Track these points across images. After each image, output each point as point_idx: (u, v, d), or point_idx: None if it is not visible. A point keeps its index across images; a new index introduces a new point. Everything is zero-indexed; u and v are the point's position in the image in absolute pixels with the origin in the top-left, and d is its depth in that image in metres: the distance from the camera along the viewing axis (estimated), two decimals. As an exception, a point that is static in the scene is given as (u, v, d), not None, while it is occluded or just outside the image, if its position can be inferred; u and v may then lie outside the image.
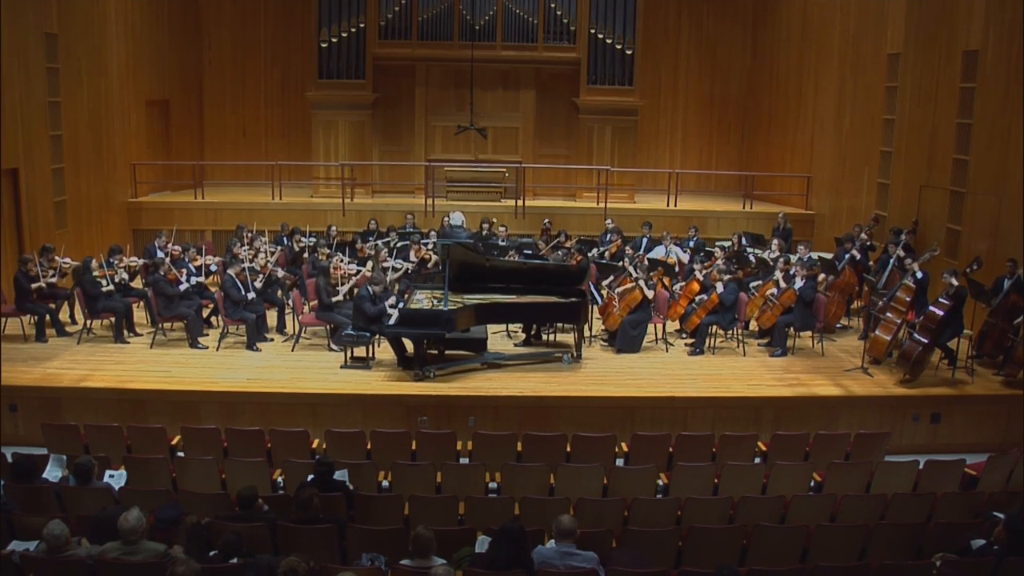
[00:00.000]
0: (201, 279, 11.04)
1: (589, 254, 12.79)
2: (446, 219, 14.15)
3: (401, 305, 9.87)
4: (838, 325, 11.68)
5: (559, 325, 11.03)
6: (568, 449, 7.73)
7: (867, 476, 7.31)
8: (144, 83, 15.74)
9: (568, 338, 10.86)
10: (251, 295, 10.47)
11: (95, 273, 10.56)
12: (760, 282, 11.43)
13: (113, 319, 10.59)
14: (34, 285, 10.43)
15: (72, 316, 11.41)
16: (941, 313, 9.30)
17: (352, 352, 9.87)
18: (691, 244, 13.37)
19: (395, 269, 11.70)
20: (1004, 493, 6.94)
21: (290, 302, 11.10)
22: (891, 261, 11.18)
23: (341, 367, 9.71)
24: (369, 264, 11.70)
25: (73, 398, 8.93)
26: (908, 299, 9.85)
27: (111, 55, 14.41)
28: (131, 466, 7.10)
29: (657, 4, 18.31)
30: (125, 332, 10.61)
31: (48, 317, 10.62)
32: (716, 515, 6.62)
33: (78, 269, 10.95)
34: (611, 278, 11.42)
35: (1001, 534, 5.76)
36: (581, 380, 9.56)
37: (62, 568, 5.22)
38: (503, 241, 13.23)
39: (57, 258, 10.97)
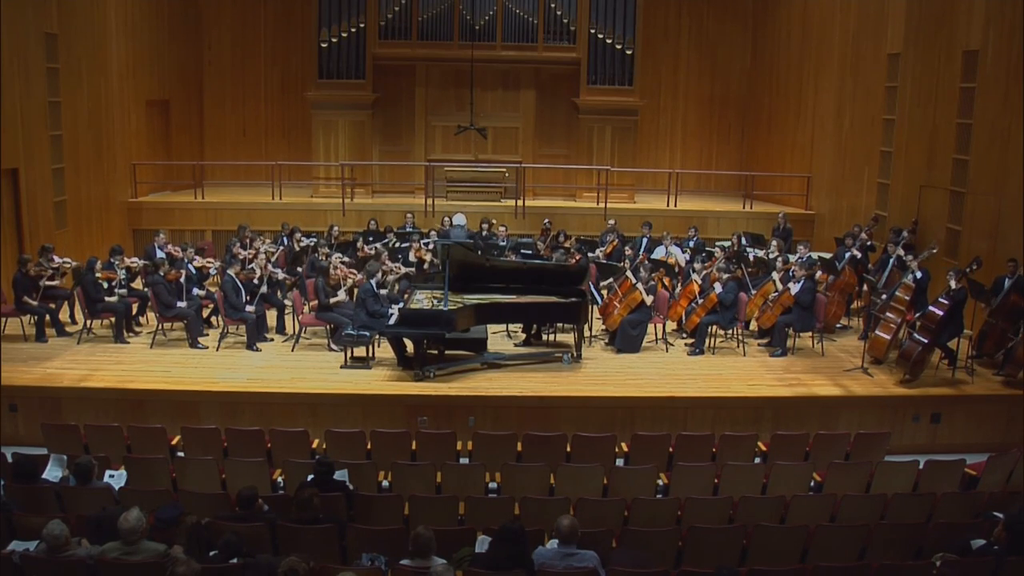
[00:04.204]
0: (202, 293, 11.01)
1: (590, 254, 12.79)
2: (446, 219, 14.15)
3: (401, 305, 9.88)
4: (838, 325, 11.68)
5: (559, 325, 11.02)
6: (568, 449, 7.73)
7: (867, 476, 7.31)
8: (144, 83, 15.74)
9: (568, 338, 10.86)
10: (250, 308, 10.42)
11: (98, 275, 10.55)
12: (759, 285, 11.44)
13: (113, 319, 10.59)
14: (42, 283, 10.43)
15: (72, 316, 11.41)
16: (940, 313, 9.30)
17: (352, 352, 9.87)
18: (691, 244, 13.37)
19: (395, 272, 11.71)
20: (1004, 493, 6.94)
21: (290, 302, 11.10)
22: (891, 261, 11.18)
23: (341, 367, 9.71)
24: (366, 266, 11.72)
25: (73, 398, 8.93)
26: (908, 299, 9.84)
27: (111, 55, 14.42)
28: (131, 466, 7.10)
29: (657, 4, 18.31)
30: (125, 332, 10.61)
31: (48, 317, 10.62)
32: (716, 515, 6.62)
33: (79, 269, 10.94)
34: (611, 280, 11.43)
35: (1001, 534, 5.76)
36: (581, 380, 9.55)
37: (62, 568, 5.22)
38: (503, 241, 13.23)
39: (56, 258, 10.96)
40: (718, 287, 10.57)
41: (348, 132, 16.93)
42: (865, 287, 11.77)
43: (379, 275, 10.25)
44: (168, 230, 13.19)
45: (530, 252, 12.62)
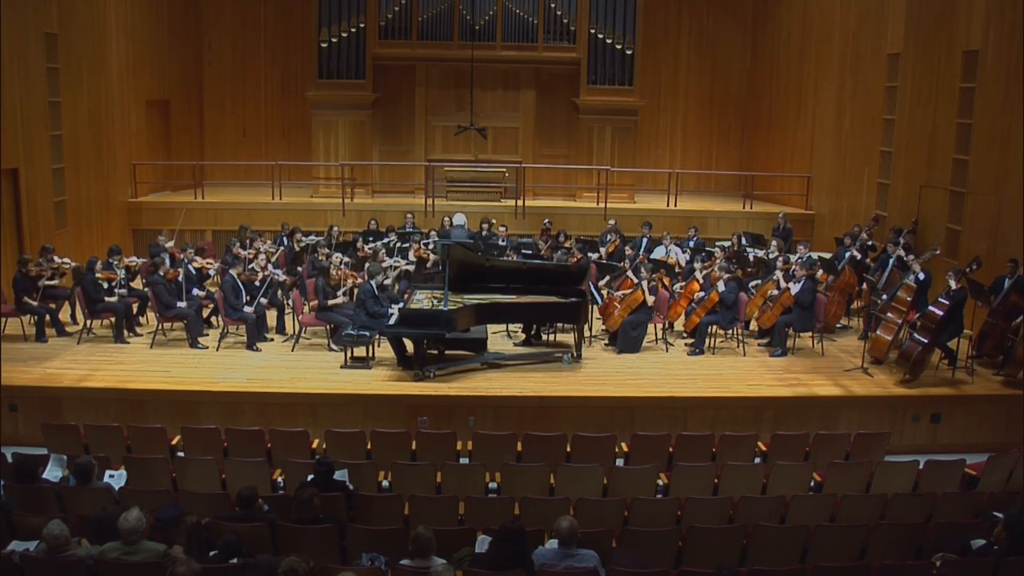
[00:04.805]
0: (202, 294, 11.01)
1: (591, 254, 12.79)
2: (446, 219, 14.16)
3: (401, 305, 9.88)
4: (838, 325, 11.68)
5: (559, 325, 11.02)
6: (568, 449, 7.73)
7: (867, 476, 7.31)
8: (144, 83, 15.75)
9: (568, 338, 10.86)
10: (248, 308, 10.42)
11: (98, 275, 10.55)
12: (759, 281, 11.44)
13: (113, 319, 10.59)
14: (41, 283, 10.43)
15: (72, 316, 11.41)
16: (940, 313, 9.30)
17: (352, 352, 9.87)
18: (691, 244, 13.37)
19: (394, 268, 11.74)
20: (1004, 493, 6.94)
21: (290, 302, 11.10)
22: (891, 261, 11.18)
23: (341, 367, 9.71)
24: (367, 266, 11.74)
25: (73, 398, 8.92)
26: (909, 299, 9.85)
27: (111, 55, 14.42)
28: (131, 466, 7.10)
29: (657, 4, 18.31)
30: (125, 332, 10.61)
31: (48, 317, 10.62)
32: (716, 515, 6.62)
33: (79, 269, 10.94)
34: (607, 278, 11.42)
35: (1001, 534, 5.76)
36: (581, 380, 9.55)
37: (62, 568, 5.22)
38: (503, 241, 13.23)
39: (56, 258, 10.96)
40: (720, 286, 10.57)
41: (348, 132, 16.93)
42: (865, 287, 11.77)
43: (380, 276, 10.25)
44: (169, 230, 13.20)
45: (530, 252, 12.62)
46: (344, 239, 13.20)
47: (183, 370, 9.58)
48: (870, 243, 11.93)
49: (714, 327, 10.74)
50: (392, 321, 9.69)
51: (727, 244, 13.06)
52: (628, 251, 13.14)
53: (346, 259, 11.58)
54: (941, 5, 11.97)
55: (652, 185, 17.84)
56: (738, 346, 10.83)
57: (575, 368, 9.96)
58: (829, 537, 6.15)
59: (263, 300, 10.65)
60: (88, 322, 10.59)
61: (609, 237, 13.53)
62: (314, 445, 7.80)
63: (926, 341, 9.32)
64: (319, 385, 9.19)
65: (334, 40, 16.53)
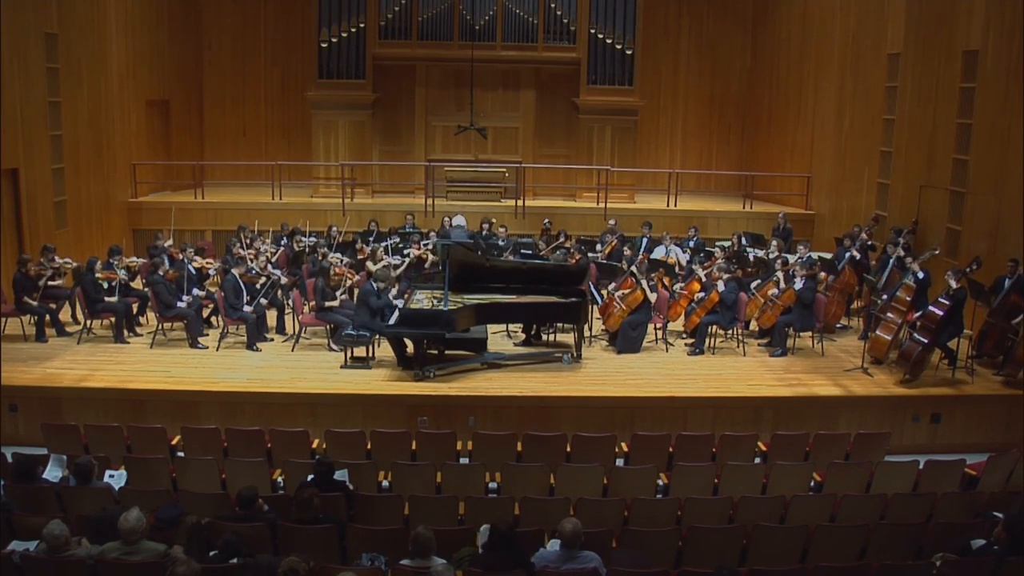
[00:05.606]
0: (202, 293, 11.01)
1: (590, 254, 12.79)
2: (446, 220, 14.15)
3: (401, 305, 9.89)
4: (838, 325, 11.68)
5: (559, 325, 11.02)
6: (568, 449, 7.73)
7: (867, 476, 7.31)
8: (144, 83, 15.75)
9: (568, 338, 10.86)
10: (248, 308, 10.43)
11: (98, 275, 10.55)
12: (759, 281, 11.44)
13: (113, 319, 10.58)
14: (40, 283, 10.43)
15: (72, 316, 11.41)
16: (940, 313, 9.30)
17: (352, 352, 9.87)
18: (691, 244, 13.37)
19: (395, 267, 11.75)
20: (1004, 493, 6.94)
21: (290, 302, 11.10)
22: (891, 261, 11.18)
23: (341, 367, 9.71)
24: (369, 265, 11.74)
25: (73, 398, 8.93)
26: (909, 299, 9.85)
27: (111, 55, 14.42)
28: (131, 466, 7.10)
29: (657, 4, 18.31)
30: (125, 332, 10.61)
31: (48, 317, 10.62)
32: (716, 515, 6.62)
33: (79, 269, 10.94)
34: (612, 285, 11.42)
35: (1001, 534, 5.76)
36: (581, 380, 9.55)
37: (62, 568, 5.22)
38: (503, 241, 13.23)
39: (57, 258, 10.95)
40: (720, 286, 10.57)
41: (348, 132, 16.94)
42: (865, 287, 11.77)
43: (386, 283, 10.19)
44: (168, 229, 13.20)
45: (530, 252, 12.62)
46: (344, 239, 13.21)
47: (183, 370, 9.58)
48: (870, 243, 11.93)
49: (714, 327, 10.74)
50: (392, 321, 9.69)
51: (727, 244, 13.06)
52: (627, 251, 13.13)
53: (346, 259, 11.59)
54: (941, 5, 11.97)
55: (652, 185, 17.84)
56: (738, 346, 10.83)
57: (575, 368, 9.96)
58: (829, 537, 6.15)
59: (263, 300, 10.65)
60: (88, 322, 10.59)
61: (607, 238, 13.53)
62: (314, 445, 7.80)
63: (926, 341, 9.33)
64: (319, 385, 9.19)
65: (334, 40, 16.53)
